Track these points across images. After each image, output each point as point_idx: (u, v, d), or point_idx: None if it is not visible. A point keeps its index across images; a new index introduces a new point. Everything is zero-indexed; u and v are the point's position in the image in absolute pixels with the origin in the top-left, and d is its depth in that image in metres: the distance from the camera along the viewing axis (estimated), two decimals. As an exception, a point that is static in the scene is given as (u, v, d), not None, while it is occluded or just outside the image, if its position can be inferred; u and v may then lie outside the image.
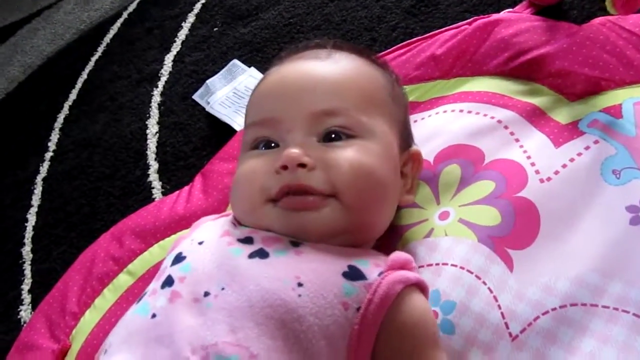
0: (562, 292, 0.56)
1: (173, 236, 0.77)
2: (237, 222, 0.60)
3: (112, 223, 0.86)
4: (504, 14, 0.80)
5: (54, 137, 1.03)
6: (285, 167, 0.55)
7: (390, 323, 0.50)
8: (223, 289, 0.50)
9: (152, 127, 0.97)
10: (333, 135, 0.57)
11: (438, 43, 0.79)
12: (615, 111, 0.65)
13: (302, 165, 0.54)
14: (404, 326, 0.50)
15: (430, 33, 0.82)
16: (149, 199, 0.89)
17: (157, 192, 0.89)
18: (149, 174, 0.91)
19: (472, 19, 0.80)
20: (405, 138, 0.64)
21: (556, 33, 0.73)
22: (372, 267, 0.53)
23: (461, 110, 0.72)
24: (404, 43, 0.83)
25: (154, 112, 0.98)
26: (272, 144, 0.58)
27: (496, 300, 0.58)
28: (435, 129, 0.72)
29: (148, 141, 0.95)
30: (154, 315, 0.51)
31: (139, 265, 0.77)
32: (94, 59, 1.12)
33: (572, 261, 0.57)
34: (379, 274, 0.52)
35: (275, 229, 0.56)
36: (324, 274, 0.51)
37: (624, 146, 0.62)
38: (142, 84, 1.03)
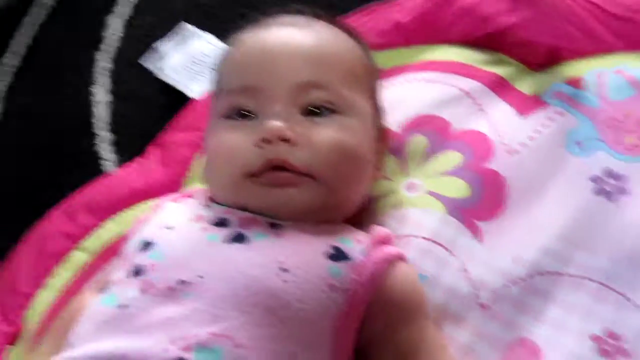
0: (530, 261, 0.58)
1: (129, 212, 0.74)
2: (209, 201, 0.58)
3: (61, 197, 0.81)
4: (466, -19, 0.79)
5: (-7, 105, 0.96)
6: (267, 141, 0.53)
7: (378, 301, 0.50)
8: (201, 277, 0.49)
9: (100, 94, 0.91)
10: (315, 109, 0.55)
11: (401, 10, 0.78)
12: (578, 83, 0.66)
13: (285, 140, 0.53)
14: (392, 301, 0.51)
15: (393, -1, 0.80)
16: (99, 170, 0.84)
17: (109, 164, 0.85)
18: (98, 145, 0.87)
19: (435, -15, 0.79)
20: (378, 113, 0.63)
21: (519, 3, 0.72)
22: (356, 245, 0.52)
23: (426, 80, 0.72)
24: (364, 7, 0.81)
25: (102, 79, 0.93)
26: (249, 114, 0.56)
27: (466, 271, 0.58)
28: (401, 98, 0.71)
29: (96, 109, 0.90)
30: (125, 306, 0.49)
31: (93, 241, 0.74)
32: (36, 21, 1.04)
33: (539, 231, 0.59)
34: (363, 252, 0.52)
35: (255, 205, 0.54)
36: (307, 256, 0.50)
37: (587, 117, 0.64)
38: (88, 48, 0.97)
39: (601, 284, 0.55)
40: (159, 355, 0.45)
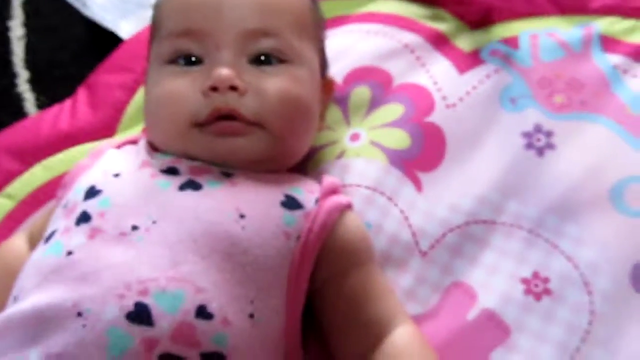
0: (466, 210, 0.61)
1: (59, 156, 0.71)
2: (153, 149, 0.56)
3: (-23, 140, 0.76)
4: None
5: None
6: (215, 89, 0.52)
7: (329, 247, 0.52)
8: (154, 222, 0.48)
9: (17, 29, 0.85)
10: (263, 58, 0.54)
11: (344, -40, 0.78)
12: (513, 42, 0.69)
13: (234, 88, 0.52)
14: (342, 248, 0.53)
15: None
16: (21, 112, 0.80)
17: (30, 105, 0.80)
18: (18, 84, 0.81)
19: None
20: (323, 64, 0.63)
21: (459, -41, 0.74)
22: (307, 194, 0.53)
23: (368, 31, 0.73)
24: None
25: (17, 12, 0.86)
26: (194, 59, 0.54)
27: (407, 220, 0.61)
28: (343, 49, 0.71)
29: (13, 46, 0.84)
30: (70, 253, 0.47)
31: (19, 187, 0.70)
32: None
33: (475, 182, 0.62)
34: (315, 202, 0.53)
35: (202, 155, 0.53)
36: (263, 204, 0.51)
37: (520, 76, 0.67)
38: (-1, -23, 0.89)
39: (530, 231, 0.60)
40: (114, 301, 0.44)
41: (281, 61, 0.55)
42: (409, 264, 0.59)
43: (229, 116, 0.52)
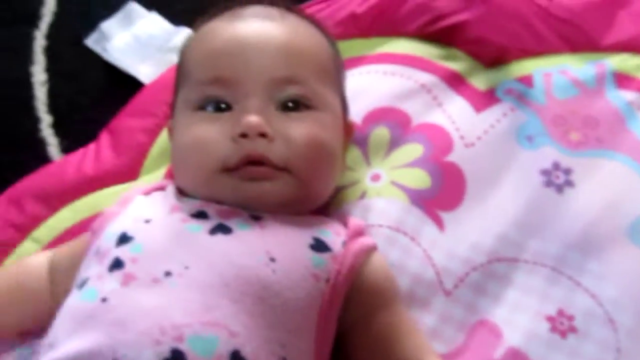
0: (488, 248, 0.62)
1: (84, 200, 0.72)
2: (180, 193, 0.58)
3: (2, 183, 0.77)
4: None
5: None
6: (245, 135, 0.53)
7: (357, 289, 0.53)
8: (187, 267, 0.49)
9: (39, 74, 0.87)
10: (290, 104, 0.56)
11: (358, 1, 0.80)
12: (527, 80, 0.71)
13: (263, 135, 0.53)
14: (369, 289, 0.54)
15: (348, -12, 0.82)
16: (44, 155, 0.81)
17: (53, 149, 0.81)
18: (41, 128, 0.83)
19: (389, -22, 0.81)
20: (344, 106, 0.64)
21: (472, 1, 0.76)
22: (334, 236, 0.55)
23: (384, 72, 0.74)
24: (321, -1, 0.82)
25: (39, 58, 0.88)
26: (222, 106, 0.56)
27: (430, 259, 0.62)
28: (361, 89, 0.73)
29: (35, 90, 0.85)
30: (104, 300, 0.48)
31: (46, 231, 0.70)
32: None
33: (496, 220, 0.63)
34: (342, 244, 0.54)
35: (230, 199, 0.54)
36: (292, 247, 0.52)
37: (535, 114, 0.69)
38: (19, 24, 0.91)
39: (553, 268, 0.60)
40: (150, 347, 0.44)
41: (306, 107, 0.57)
42: (433, 304, 0.60)
43: (257, 161, 0.54)
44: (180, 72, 0.63)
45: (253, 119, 0.53)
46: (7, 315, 0.61)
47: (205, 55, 0.59)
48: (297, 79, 0.57)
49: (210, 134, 0.55)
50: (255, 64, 0.56)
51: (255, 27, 0.59)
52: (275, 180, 0.54)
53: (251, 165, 0.54)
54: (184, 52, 0.63)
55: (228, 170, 0.54)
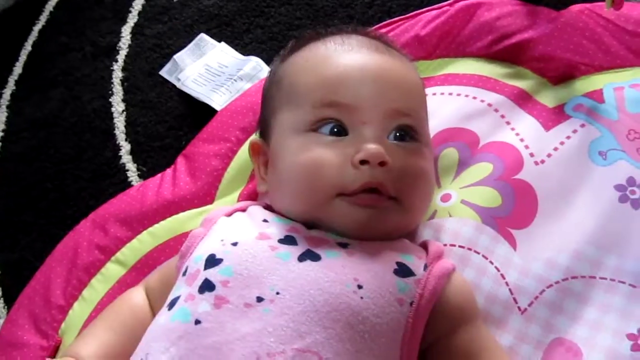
0: (563, 265, 0.62)
1: (164, 223, 0.75)
2: (269, 212, 0.60)
3: (86, 208, 0.82)
4: (483, -5, 0.82)
5: (2, 115, 0.95)
6: (365, 162, 0.55)
7: (439, 310, 0.54)
8: (278, 293, 0.50)
9: (118, 104, 0.92)
10: (400, 134, 0.58)
11: (421, 24, 0.81)
12: (597, 96, 0.70)
13: (382, 164, 0.55)
14: (451, 309, 0.55)
15: (412, 13, 0.83)
16: (124, 181, 0.85)
17: (132, 175, 0.86)
18: (120, 155, 0.87)
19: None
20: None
21: (537, 18, 0.77)
22: (417, 261, 0.56)
23: (450, 93, 0.75)
24: (386, 22, 0.84)
25: (117, 89, 0.93)
26: (335, 129, 0.57)
27: (503, 278, 0.62)
28: (429, 111, 0.73)
29: (115, 120, 0.90)
30: (198, 322, 0.50)
31: (129, 254, 0.74)
32: (36, 28, 1.03)
33: (570, 237, 0.63)
34: (424, 267, 0.55)
35: (340, 224, 0.56)
36: (378, 273, 0.53)
37: (607, 129, 0.68)
38: (99, 57, 0.97)
39: (632, 285, 0.59)
40: None
41: (412, 139, 0.59)
42: (508, 322, 0.60)
43: (375, 190, 0.56)
44: (282, 95, 0.62)
45: (376, 147, 0.55)
46: None
47: (323, 80, 0.59)
48: (409, 111, 0.59)
49: (329, 157, 0.56)
50: (376, 94, 0.58)
51: (371, 58, 0.60)
52: (385, 209, 0.56)
53: (367, 192, 0.55)
54: (289, 76, 0.63)
55: (343, 195, 0.56)
